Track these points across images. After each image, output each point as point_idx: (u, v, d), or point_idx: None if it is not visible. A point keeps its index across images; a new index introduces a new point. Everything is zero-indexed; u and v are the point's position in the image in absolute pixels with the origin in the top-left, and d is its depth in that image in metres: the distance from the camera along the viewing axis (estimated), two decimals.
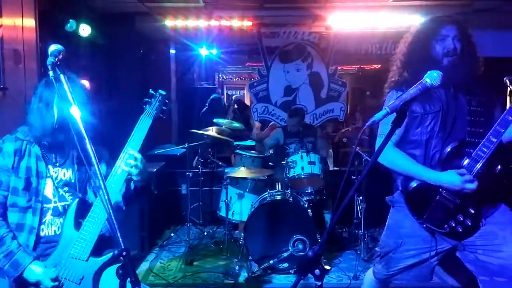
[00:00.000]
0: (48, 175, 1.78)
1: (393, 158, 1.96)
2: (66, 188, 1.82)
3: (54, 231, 1.78)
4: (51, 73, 1.50)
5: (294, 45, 5.55)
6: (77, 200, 1.77)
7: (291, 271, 3.50)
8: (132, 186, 1.86)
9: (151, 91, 1.90)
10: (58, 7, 3.76)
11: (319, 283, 1.52)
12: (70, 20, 3.73)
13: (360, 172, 4.01)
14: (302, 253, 3.39)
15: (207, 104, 6.41)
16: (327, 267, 1.51)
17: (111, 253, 1.55)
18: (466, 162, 1.88)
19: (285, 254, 3.42)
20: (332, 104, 5.57)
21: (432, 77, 1.51)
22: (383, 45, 5.67)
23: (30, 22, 3.27)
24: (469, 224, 1.89)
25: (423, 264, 2.04)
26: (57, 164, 1.82)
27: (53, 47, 1.57)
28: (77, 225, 1.73)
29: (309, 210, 3.64)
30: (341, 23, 5.31)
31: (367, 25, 5.28)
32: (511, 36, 5.26)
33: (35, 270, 1.67)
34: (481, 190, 1.86)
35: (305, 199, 3.82)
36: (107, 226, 1.70)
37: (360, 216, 3.95)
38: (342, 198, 1.43)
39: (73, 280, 1.67)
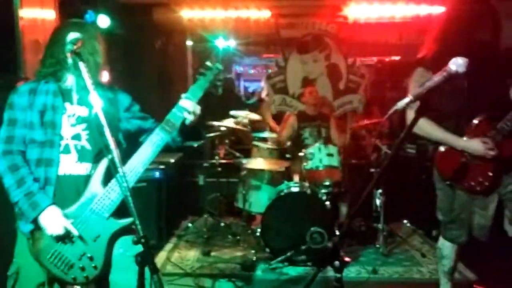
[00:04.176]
0: (64, 111, 1.74)
1: (424, 127, 2.24)
2: (84, 125, 1.76)
3: (64, 171, 1.73)
4: (69, 60, 1.52)
5: (311, 36, 5.47)
6: (110, 156, 1.68)
7: (309, 264, 3.48)
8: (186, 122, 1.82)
9: (207, 62, 1.88)
10: None
11: (339, 275, 1.50)
12: (89, 10, 3.75)
13: (380, 165, 3.94)
14: (319, 246, 3.36)
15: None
16: (347, 259, 1.47)
17: (132, 218, 1.54)
18: (490, 132, 2.16)
19: (302, 247, 3.40)
20: (350, 96, 5.47)
21: (457, 64, 1.46)
22: (403, 36, 5.54)
23: (50, 13, 3.30)
24: (486, 184, 2.19)
25: None
26: (74, 100, 1.77)
27: (71, 35, 1.59)
28: (105, 182, 1.70)
29: (327, 203, 3.61)
30: (358, 13, 5.23)
31: (384, 15, 5.19)
32: None
33: (51, 214, 1.63)
34: (501, 158, 2.15)
35: (322, 191, 3.78)
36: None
37: (379, 209, 3.89)
38: (361, 191, 1.45)
39: (89, 236, 1.67)
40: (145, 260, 1.37)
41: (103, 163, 1.71)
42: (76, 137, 1.75)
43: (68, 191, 1.72)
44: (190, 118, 1.78)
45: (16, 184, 1.65)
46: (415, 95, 1.41)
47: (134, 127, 1.90)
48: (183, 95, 1.80)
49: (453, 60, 1.47)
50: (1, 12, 2.69)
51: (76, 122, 1.75)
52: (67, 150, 1.73)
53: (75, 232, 1.65)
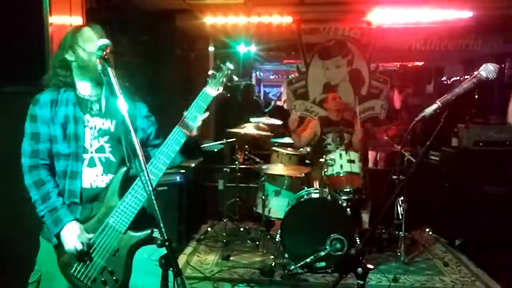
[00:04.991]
0: (86, 124, 1.74)
1: None
2: (106, 138, 1.76)
3: (90, 184, 1.74)
4: (99, 66, 1.54)
5: (334, 41, 5.44)
6: (125, 169, 1.70)
7: (328, 270, 3.45)
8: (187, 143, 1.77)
9: (217, 62, 1.80)
10: (104, 5, 3.88)
11: (361, 282, 1.48)
12: (115, 18, 3.84)
13: (402, 171, 3.88)
14: (339, 253, 3.33)
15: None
16: (369, 266, 1.46)
17: (149, 231, 1.52)
18: None
19: (322, 253, 3.37)
20: (372, 101, 5.41)
21: (488, 71, 1.43)
22: (428, 41, 5.45)
23: (77, 20, 3.39)
24: None
25: None
26: (94, 112, 1.77)
27: (101, 42, 1.61)
28: (121, 194, 1.69)
29: (348, 209, 3.57)
30: (382, 18, 5.18)
31: (409, 20, 5.12)
32: None
33: (69, 230, 1.65)
34: None
35: (343, 198, 3.74)
36: (149, 202, 1.62)
37: (400, 217, 3.82)
38: (383, 198, 1.42)
39: (108, 250, 1.67)
40: (168, 262, 1.39)
41: (119, 175, 1.72)
42: (100, 149, 1.76)
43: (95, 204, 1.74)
44: (193, 138, 1.75)
45: (41, 200, 1.69)
46: (443, 102, 1.38)
47: (146, 135, 1.88)
48: (185, 113, 1.72)
49: (484, 66, 1.44)
50: (32, 19, 2.77)
51: (98, 134, 1.76)
52: (92, 164, 1.74)
53: (85, 249, 1.66)
